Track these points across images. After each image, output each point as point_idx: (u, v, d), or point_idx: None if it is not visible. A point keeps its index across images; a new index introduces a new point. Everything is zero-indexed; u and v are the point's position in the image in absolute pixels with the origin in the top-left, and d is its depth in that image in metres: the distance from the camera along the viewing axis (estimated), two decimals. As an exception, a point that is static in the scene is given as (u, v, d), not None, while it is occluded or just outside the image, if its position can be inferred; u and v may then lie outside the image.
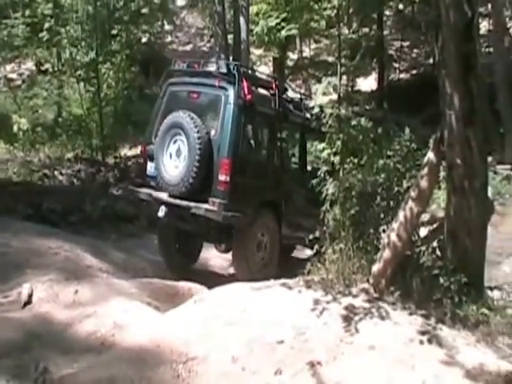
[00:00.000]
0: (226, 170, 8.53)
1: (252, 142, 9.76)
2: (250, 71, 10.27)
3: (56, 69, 20.08)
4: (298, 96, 10.90)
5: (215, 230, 9.29)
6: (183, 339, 6.13)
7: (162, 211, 8.98)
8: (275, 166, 9.79)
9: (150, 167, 9.39)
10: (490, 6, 22.39)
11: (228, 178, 8.53)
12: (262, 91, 9.81)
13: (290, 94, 10.78)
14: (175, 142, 8.89)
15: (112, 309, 7.13)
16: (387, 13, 27.17)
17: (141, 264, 9.87)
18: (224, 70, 9.03)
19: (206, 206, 8.58)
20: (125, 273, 9.04)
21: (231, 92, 8.79)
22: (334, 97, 9.17)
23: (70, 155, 15.61)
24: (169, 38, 30.64)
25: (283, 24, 20.38)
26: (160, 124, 9.20)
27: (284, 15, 20.44)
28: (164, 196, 9.01)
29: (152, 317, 7.01)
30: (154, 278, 9.03)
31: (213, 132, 8.81)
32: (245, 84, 8.92)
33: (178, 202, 8.77)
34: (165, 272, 9.75)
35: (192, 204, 8.61)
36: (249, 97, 8.90)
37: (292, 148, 10.79)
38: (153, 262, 10.19)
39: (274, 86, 9.85)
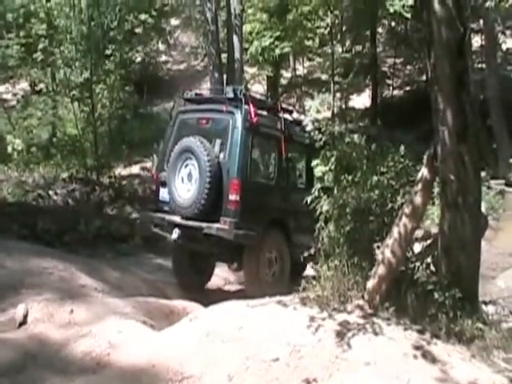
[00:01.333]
0: (235, 190, 8.83)
1: (260, 162, 10.01)
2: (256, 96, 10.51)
3: (50, 89, 20.09)
4: (303, 117, 11.00)
5: (227, 250, 9.51)
6: (178, 358, 6.13)
7: (175, 233, 9.22)
8: (283, 185, 9.96)
9: (163, 193, 9.70)
10: (481, 21, 22.54)
11: (238, 198, 8.81)
12: (267, 114, 10.10)
13: (295, 115, 11.01)
14: (186, 166, 9.20)
15: (107, 328, 7.11)
16: (380, 30, 27.34)
17: (136, 283, 9.84)
18: (231, 96, 9.33)
19: (217, 225, 8.83)
20: (120, 292, 9.03)
21: (238, 116, 9.11)
22: (328, 114, 9.21)
23: (64, 175, 15.60)
24: (163, 58, 30.72)
25: (277, 43, 20.46)
26: (171, 151, 9.52)
27: (277, 34, 20.53)
28: (177, 219, 9.27)
29: (147, 336, 6.99)
30: (149, 296, 9.03)
31: (222, 155, 9.14)
32: (251, 108, 9.21)
33: (190, 223, 9.02)
34: (160, 290, 9.76)
35: (204, 224, 8.85)
36: (255, 120, 9.18)
37: (299, 167, 10.95)
38: (148, 281, 10.19)
39: (279, 108, 10.28)
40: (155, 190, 10.10)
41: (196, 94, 10.39)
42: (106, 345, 6.73)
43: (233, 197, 8.83)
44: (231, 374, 5.74)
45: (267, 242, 9.41)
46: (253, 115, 9.17)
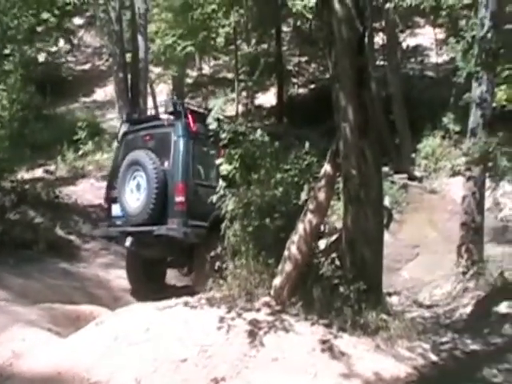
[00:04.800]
0: (180, 192, 9.35)
1: (201, 166, 10.25)
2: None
3: None
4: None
5: (178, 252, 10.01)
6: (85, 364, 5.99)
7: (128, 241, 9.76)
8: None
9: (115, 209, 10.21)
10: (384, 21, 23.08)
11: (184, 199, 9.33)
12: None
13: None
14: (135, 178, 9.80)
15: (10, 337, 6.87)
16: (285, 29, 27.54)
17: (41, 289, 9.56)
18: (171, 109, 9.98)
19: (166, 226, 9.32)
20: (24, 299, 8.75)
21: (179, 127, 9.71)
22: (234, 112, 9.22)
23: (-37, 180, 14.96)
24: (66, 58, 29.99)
25: (179, 41, 20.32)
26: (120, 169, 10.11)
27: (180, 32, 20.38)
28: (129, 228, 9.79)
29: (53, 343, 6.79)
30: (56, 302, 8.79)
31: (166, 163, 9.71)
32: (190, 118, 9.74)
33: (141, 228, 9.55)
34: (66, 295, 9.53)
35: (154, 227, 9.38)
36: (194, 129, 9.71)
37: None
38: (53, 287, 9.91)
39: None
40: (107, 208, 10.57)
41: (138, 115, 11.46)
42: (9, 354, 6.50)
43: (179, 198, 9.33)
44: (139, 376, 5.66)
45: (213, 241, 9.55)
46: (192, 125, 9.69)
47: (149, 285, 10.63)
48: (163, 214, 9.42)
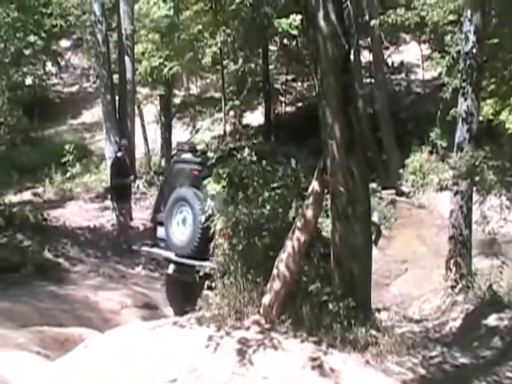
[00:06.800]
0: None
1: None
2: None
3: None
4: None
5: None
6: (74, 386, 5.95)
7: (170, 268, 10.54)
8: None
9: (160, 231, 10.92)
10: (369, 38, 23.25)
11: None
12: None
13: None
14: (181, 212, 10.33)
15: (-3, 362, 6.82)
16: (272, 48, 27.66)
17: (28, 312, 9.51)
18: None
19: (209, 263, 9.41)
20: (11, 323, 8.69)
21: None
22: (221, 132, 9.25)
23: (-49, 204, 14.90)
24: (54, 80, 30.01)
25: (166, 63, 20.36)
26: (168, 196, 10.77)
27: (167, 53, 20.44)
28: (172, 256, 10.48)
29: (40, 366, 6.76)
30: (43, 325, 8.73)
31: None
32: None
33: (185, 260, 10.16)
34: (54, 318, 9.46)
35: (197, 263, 9.74)
36: None
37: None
38: (41, 310, 9.84)
39: None
40: (153, 228, 11.41)
41: (190, 146, 11.28)
42: (-3, 379, 6.45)
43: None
44: (128, 399, 5.63)
45: None
46: None
47: (187, 306, 10.86)
48: (205, 251, 9.63)
